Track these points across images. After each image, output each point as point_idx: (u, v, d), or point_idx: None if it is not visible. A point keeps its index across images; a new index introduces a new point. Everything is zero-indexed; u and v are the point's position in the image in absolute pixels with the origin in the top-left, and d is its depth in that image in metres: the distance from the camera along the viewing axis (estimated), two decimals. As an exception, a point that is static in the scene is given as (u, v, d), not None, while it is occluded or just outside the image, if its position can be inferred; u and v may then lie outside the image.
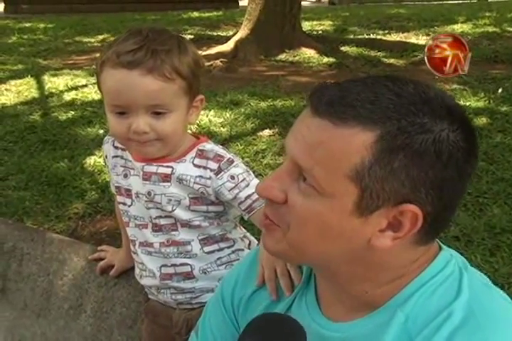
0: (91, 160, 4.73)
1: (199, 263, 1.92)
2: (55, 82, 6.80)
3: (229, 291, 1.47)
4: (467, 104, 5.46)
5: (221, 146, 1.92)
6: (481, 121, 5.14)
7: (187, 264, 1.92)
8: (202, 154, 1.85)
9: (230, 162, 1.84)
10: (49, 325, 2.52)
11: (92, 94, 6.30)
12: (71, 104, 6.07)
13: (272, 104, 5.76)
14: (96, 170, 4.59)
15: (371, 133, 1.05)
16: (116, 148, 1.96)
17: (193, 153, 1.85)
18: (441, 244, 1.26)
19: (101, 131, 5.28)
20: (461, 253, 1.28)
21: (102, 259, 2.37)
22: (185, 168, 1.84)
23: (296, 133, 1.13)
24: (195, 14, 12.21)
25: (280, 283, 1.43)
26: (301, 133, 1.11)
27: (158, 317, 2.06)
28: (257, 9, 7.84)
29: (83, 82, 6.80)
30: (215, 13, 12.38)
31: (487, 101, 5.52)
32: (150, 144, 1.78)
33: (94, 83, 6.67)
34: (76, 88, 6.57)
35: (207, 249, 1.92)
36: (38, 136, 5.26)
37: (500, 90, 5.58)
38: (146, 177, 1.87)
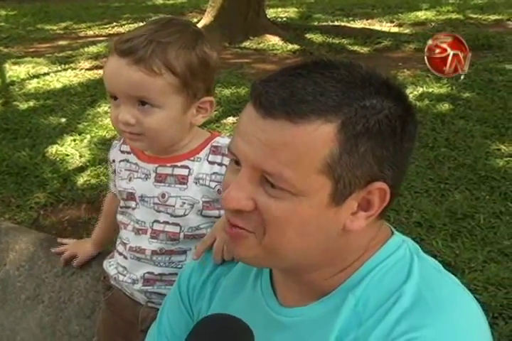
0: (53, 149, 4.70)
1: None
2: (16, 70, 6.74)
3: (185, 279, 1.46)
4: (430, 90, 5.50)
5: None
6: (444, 107, 5.19)
7: (175, 274, 1.82)
8: (216, 150, 1.80)
9: None
10: (6, 316, 2.49)
11: (54, 82, 6.25)
12: (33, 93, 6.02)
13: (235, 91, 5.77)
14: (58, 159, 4.57)
15: (332, 124, 1.05)
16: (122, 152, 1.91)
17: (207, 150, 1.80)
18: (393, 229, 1.26)
19: (63, 120, 5.25)
20: (423, 239, 1.29)
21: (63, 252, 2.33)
22: (200, 166, 1.79)
23: (248, 136, 1.09)
24: (160, 1, 12.13)
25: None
26: (255, 137, 1.08)
27: (122, 311, 1.98)
28: (220, -4, 7.80)
29: (45, 70, 6.74)
30: (179, 0, 12.28)
31: (449, 88, 5.57)
32: (137, 139, 1.72)
33: (56, 71, 6.61)
34: (38, 76, 6.51)
35: None
36: (-1, 125, 5.22)
37: (462, 77, 5.62)
38: (161, 179, 1.81)
